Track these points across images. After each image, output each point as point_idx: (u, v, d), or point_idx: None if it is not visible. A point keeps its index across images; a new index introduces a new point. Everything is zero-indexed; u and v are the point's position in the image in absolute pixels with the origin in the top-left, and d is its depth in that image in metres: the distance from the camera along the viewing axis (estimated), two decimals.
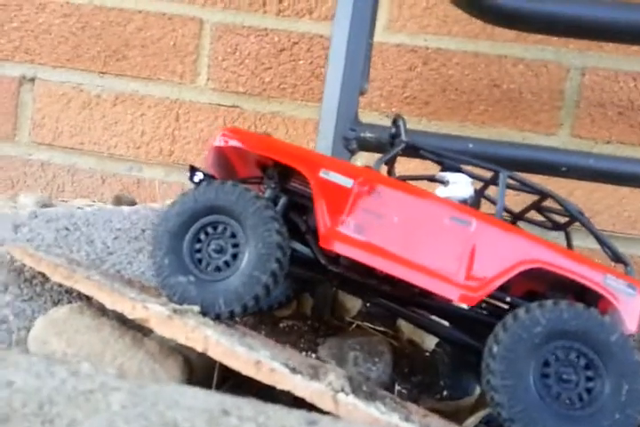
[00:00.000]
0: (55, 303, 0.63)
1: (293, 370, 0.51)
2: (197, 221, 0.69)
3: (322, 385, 0.49)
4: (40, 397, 0.37)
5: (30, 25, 1.45)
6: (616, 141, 1.28)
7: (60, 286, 0.66)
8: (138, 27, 1.41)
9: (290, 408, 0.42)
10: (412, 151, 0.80)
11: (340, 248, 0.68)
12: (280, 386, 0.50)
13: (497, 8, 1.01)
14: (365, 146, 0.97)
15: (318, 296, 0.98)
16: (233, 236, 0.68)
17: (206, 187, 0.70)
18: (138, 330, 0.62)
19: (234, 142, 0.74)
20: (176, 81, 1.41)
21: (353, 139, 0.96)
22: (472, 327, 0.73)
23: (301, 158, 0.71)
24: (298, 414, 0.41)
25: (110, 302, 0.55)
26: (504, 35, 1.29)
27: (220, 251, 0.68)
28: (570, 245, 0.80)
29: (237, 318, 0.88)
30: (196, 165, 0.78)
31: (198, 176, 0.75)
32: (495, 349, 0.61)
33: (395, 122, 0.83)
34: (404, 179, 0.82)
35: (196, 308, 0.61)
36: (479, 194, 0.82)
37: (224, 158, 0.79)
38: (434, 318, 0.77)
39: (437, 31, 1.32)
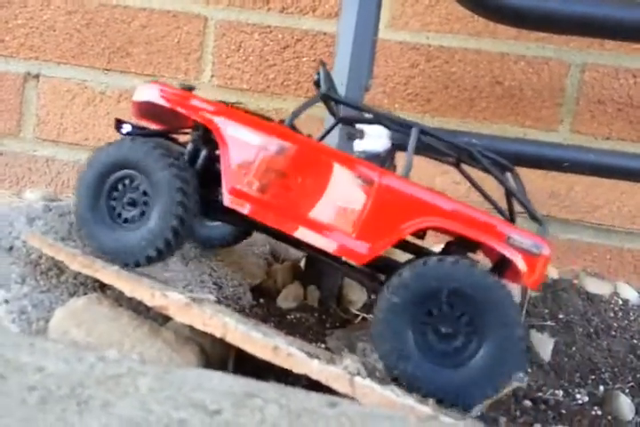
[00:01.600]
0: (71, 295, 0.64)
1: (310, 355, 0.52)
2: (111, 175, 0.73)
3: (338, 369, 0.50)
4: (71, 381, 0.38)
5: (35, 22, 1.46)
6: (616, 137, 1.30)
7: (75, 278, 0.67)
8: (142, 24, 1.42)
9: (309, 391, 0.44)
10: (328, 102, 0.80)
11: (240, 208, 0.71)
12: (297, 370, 0.51)
13: (500, 6, 1.02)
14: None
15: (324, 289, 1.00)
16: (143, 190, 0.72)
17: (118, 143, 0.73)
18: (153, 320, 0.63)
19: (152, 98, 0.77)
20: (180, 78, 1.42)
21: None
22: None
23: (211, 114, 0.73)
24: (318, 397, 0.42)
25: (129, 289, 0.57)
26: (506, 32, 1.30)
27: (133, 204, 0.73)
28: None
29: (247, 310, 0.90)
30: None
31: (126, 128, 0.79)
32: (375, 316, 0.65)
33: (318, 71, 0.82)
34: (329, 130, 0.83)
35: (212, 297, 0.62)
36: (394, 150, 0.81)
37: (161, 108, 0.80)
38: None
39: (440, 29, 1.33)
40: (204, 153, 0.77)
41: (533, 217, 0.76)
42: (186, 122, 0.81)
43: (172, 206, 0.69)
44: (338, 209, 0.69)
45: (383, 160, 0.77)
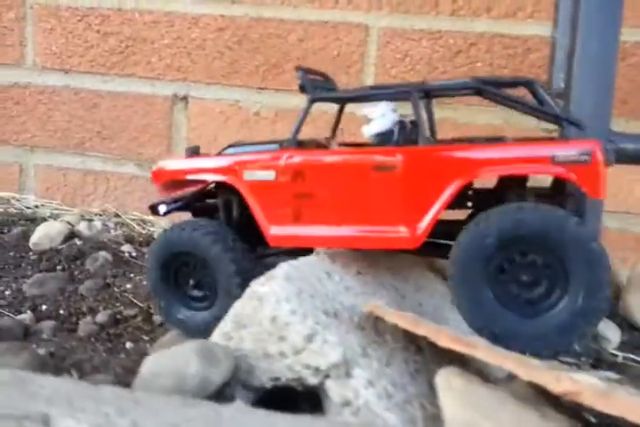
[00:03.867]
0: (405, 364, 0.55)
1: None
2: (171, 266, 0.80)
3: None
4: None
5: (182, 41, 1.39)
6: None
7: (396, 342, 0.58)
8: (299, 37, 1.33)
9: None
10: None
11: (284, 243, 0.74)
12: None
13: None
14: (624, 157, 0.87)
15: None
16: (204, 268, 0.78)
17: (170, 233, 0.80)
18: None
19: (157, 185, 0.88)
20: None
21: (610, 150, 0.86)
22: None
23: (222, 169, 0.79)
24: None
25: (525, 372, 0.47)
26: None
27: (199, 286, 0.79)
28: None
29: None
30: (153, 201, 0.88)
31: (162, 209, 0.86)
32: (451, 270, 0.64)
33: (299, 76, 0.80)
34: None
35: (613, 374, 0.52)
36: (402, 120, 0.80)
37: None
38: None
39: (636, 23, 1.20)
40: (235, 202, 0.81)
41: (570, 122, 0.73)
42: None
43: (232, 288, 0.74)
44: (374, 205, 0.68)
45: (400, 132, 0.76)
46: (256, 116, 1.37)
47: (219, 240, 0.76)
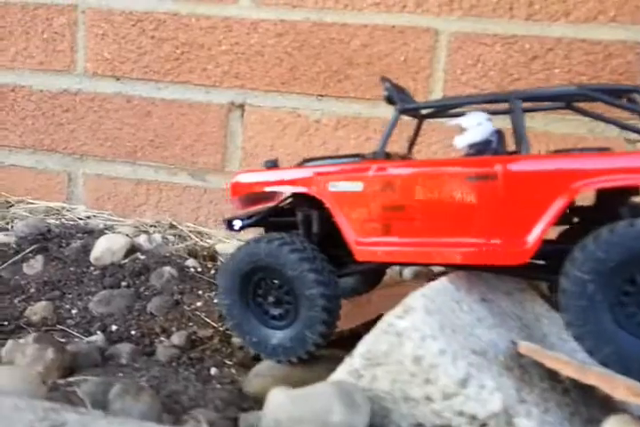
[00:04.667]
0: (556, 406, 0.49)
1: None
2: (250, 280, 0.76)
3: None
4: None
5: (240, 47, 1.34)
6: None
7: (542, 381, 0.51)
8: (363, 43, 1.28)
9: None
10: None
11: (372, 258, 0.70)
12: None
13: None
14: None
15: None
16: (281, 286, 0.75)
17: (247, 248, 0.76)
18: None
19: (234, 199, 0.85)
20: None
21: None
22: None
23: (303, 180, 0.75)
24: None
25: None
26: None
27: (278, 302, 0.75)
28: None
29: None
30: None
31: (237, 224, 0.83)
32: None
33: (386, 87, 0.78)
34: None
35: None
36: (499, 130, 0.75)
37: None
38: None
39: None
40: (315, 216, 0.78)
41: None
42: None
43: (316, 312, 0.70)
44: (471, 218, 0.64)
45: (498, 143, 0.72)
46: (316, 123, 1.32)
47: (306, 259, 0.72)
